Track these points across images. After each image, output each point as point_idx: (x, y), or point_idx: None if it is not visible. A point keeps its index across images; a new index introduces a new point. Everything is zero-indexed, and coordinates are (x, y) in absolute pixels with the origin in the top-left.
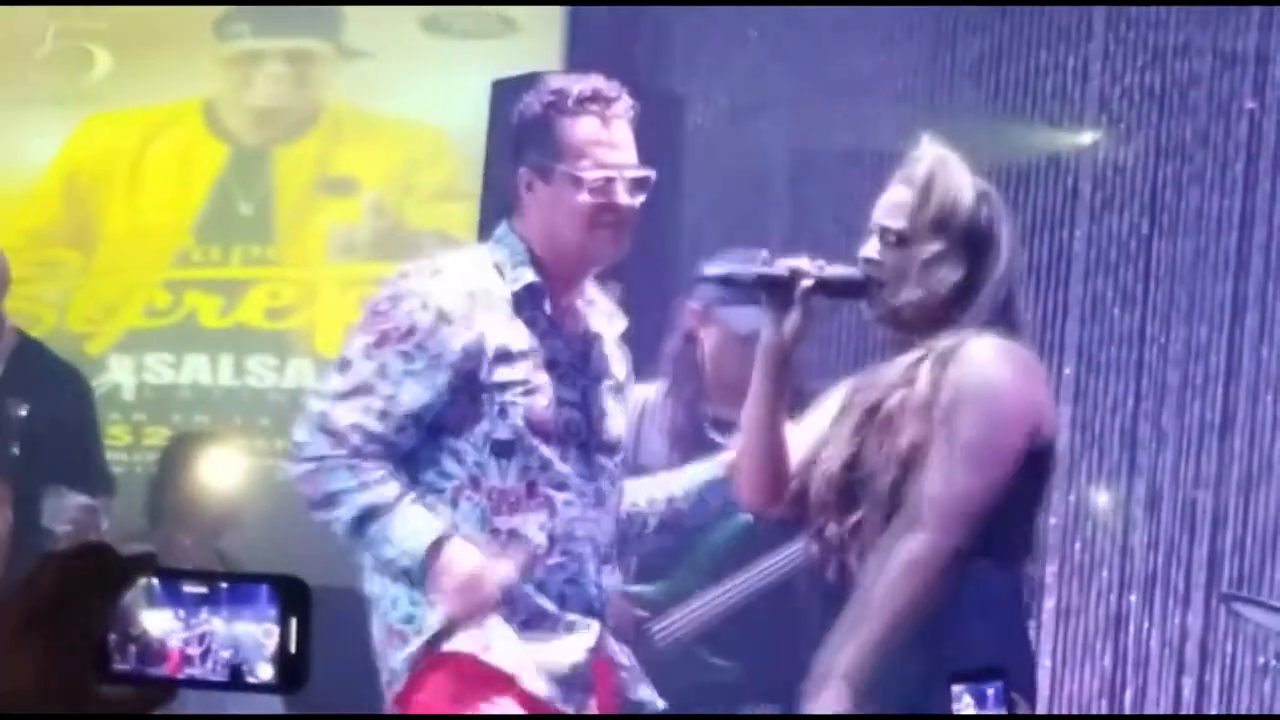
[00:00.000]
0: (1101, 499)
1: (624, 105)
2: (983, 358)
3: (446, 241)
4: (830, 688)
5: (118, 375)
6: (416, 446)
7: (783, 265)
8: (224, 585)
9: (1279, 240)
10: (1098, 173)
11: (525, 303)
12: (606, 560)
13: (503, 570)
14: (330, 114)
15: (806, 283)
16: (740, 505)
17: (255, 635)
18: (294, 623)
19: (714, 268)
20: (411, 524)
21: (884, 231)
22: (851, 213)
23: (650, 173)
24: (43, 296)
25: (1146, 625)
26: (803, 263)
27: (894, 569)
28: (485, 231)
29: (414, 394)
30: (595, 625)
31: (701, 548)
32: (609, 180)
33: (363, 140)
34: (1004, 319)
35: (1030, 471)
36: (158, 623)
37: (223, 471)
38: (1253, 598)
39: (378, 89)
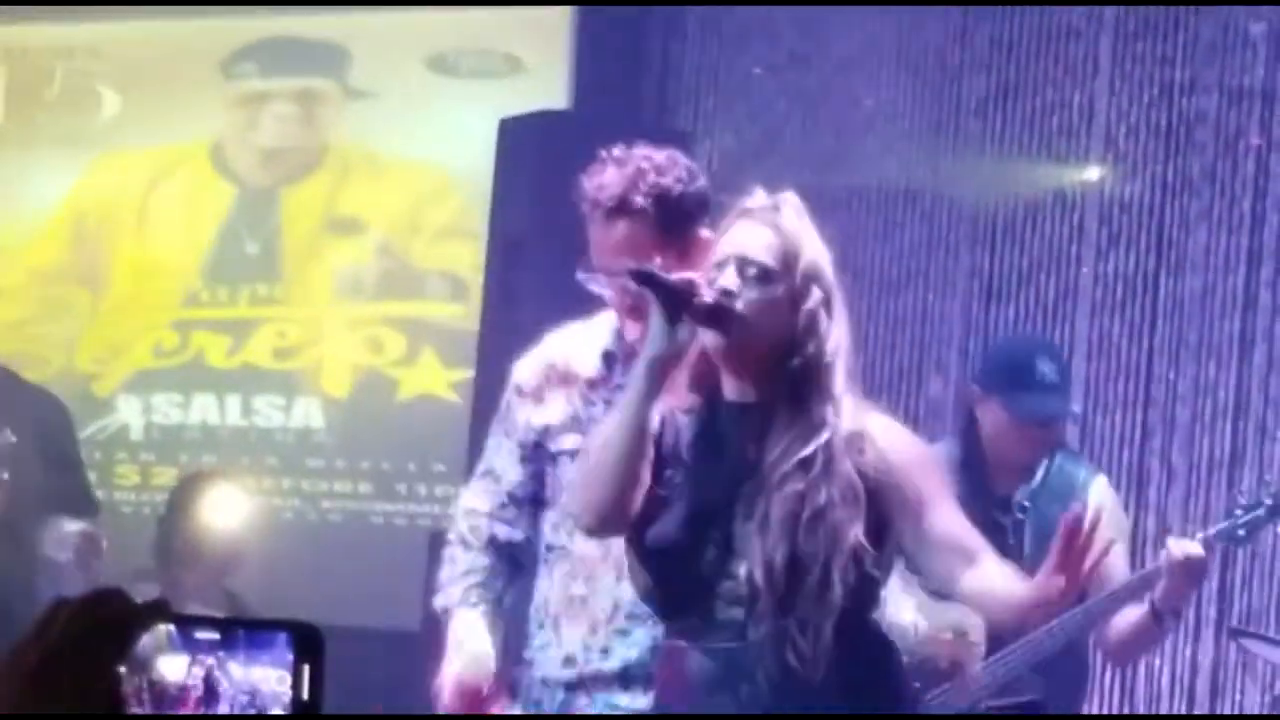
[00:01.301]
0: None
1: (607, 194)
2: (897, 434)
3: (453, 281)
4: None
5: (126, 415)
6: (529, 525)
7: (679, 276)
8: (239, 631)
9: None
10: (1104, 209)
11: (606, 372)
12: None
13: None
14: (337, 154)
15: (705, 299)
16: (578, 522)
17: (269, 681)
18: (307, 669)
19: (644, 266)
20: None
21: (744, 263)
22: (858, 251)
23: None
24: (50, 337)
25: (1157, 661)
26: (697, 279)
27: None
28: (492, 271)
29: (504, 468)
30: None
31: None
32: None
33: (369, 180)
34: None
35: None
36: (173, 668)
37: (230, 511)
38: (1262, 633)
39: (384, 129)
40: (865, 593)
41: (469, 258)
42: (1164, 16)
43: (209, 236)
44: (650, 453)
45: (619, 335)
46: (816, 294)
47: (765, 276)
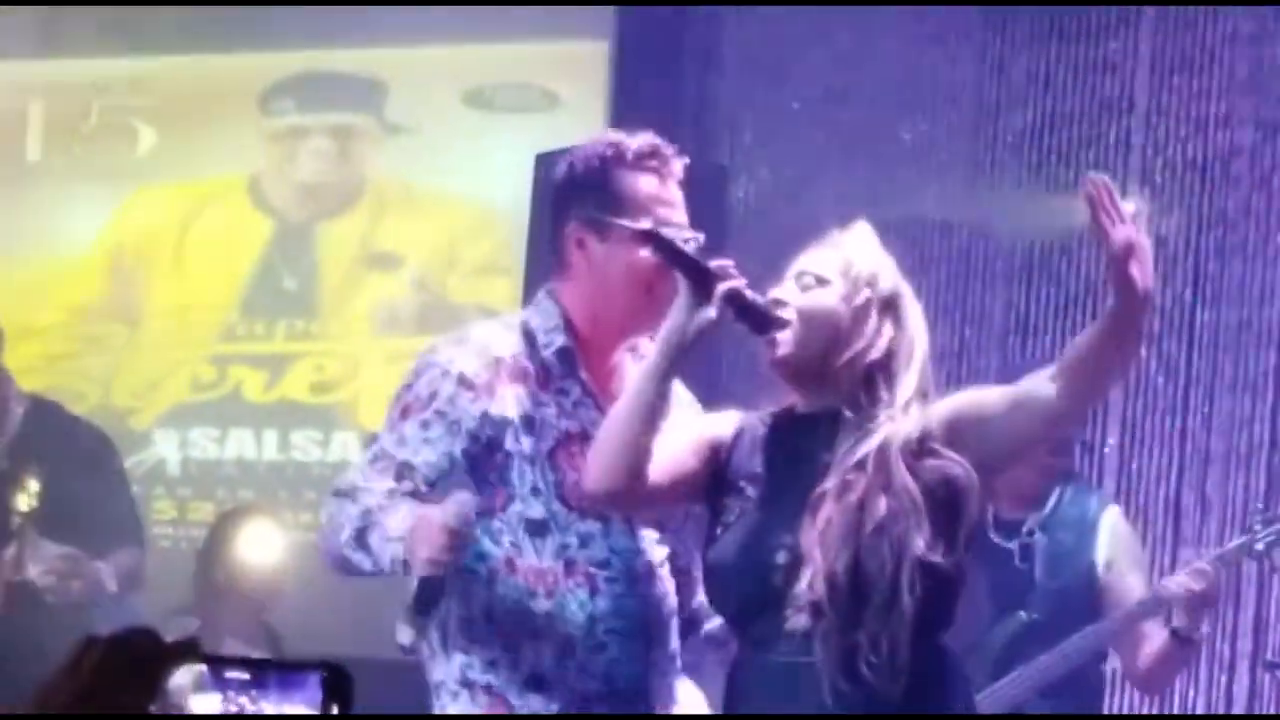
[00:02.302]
0: (1146, 569)
1: (679, 165)
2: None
3: (490, 316)
4: None
5: (163, 450)
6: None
7: (715, 260)
8: (270, 671)
9: None
10: None
11: (557, 370)
12: (659, 639)
13: (449, 508)
14: (374, 189)
15: (732, 285)
16: (583, 484)
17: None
18: (336, 709)
19: (663, 231)
20: (401, 515)
21: (801, 275)
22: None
23: (700, 235)
24: (87, 371)
25: (1191, 693)
26: (730, 265)
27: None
28: (528, 306)
29: (427, 459)
30: None
31: (984, 649)
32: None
33: (406, 215)
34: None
35: None
36: (206, 707)
37: (269, 546)
38: None
39: (421, 164)
40: (937, 607)
41: (506, 292)
42: (1199, 51)
43: (246, 271)
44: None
45: (570, 331)
46: (865, 294)
47: (818, 283)
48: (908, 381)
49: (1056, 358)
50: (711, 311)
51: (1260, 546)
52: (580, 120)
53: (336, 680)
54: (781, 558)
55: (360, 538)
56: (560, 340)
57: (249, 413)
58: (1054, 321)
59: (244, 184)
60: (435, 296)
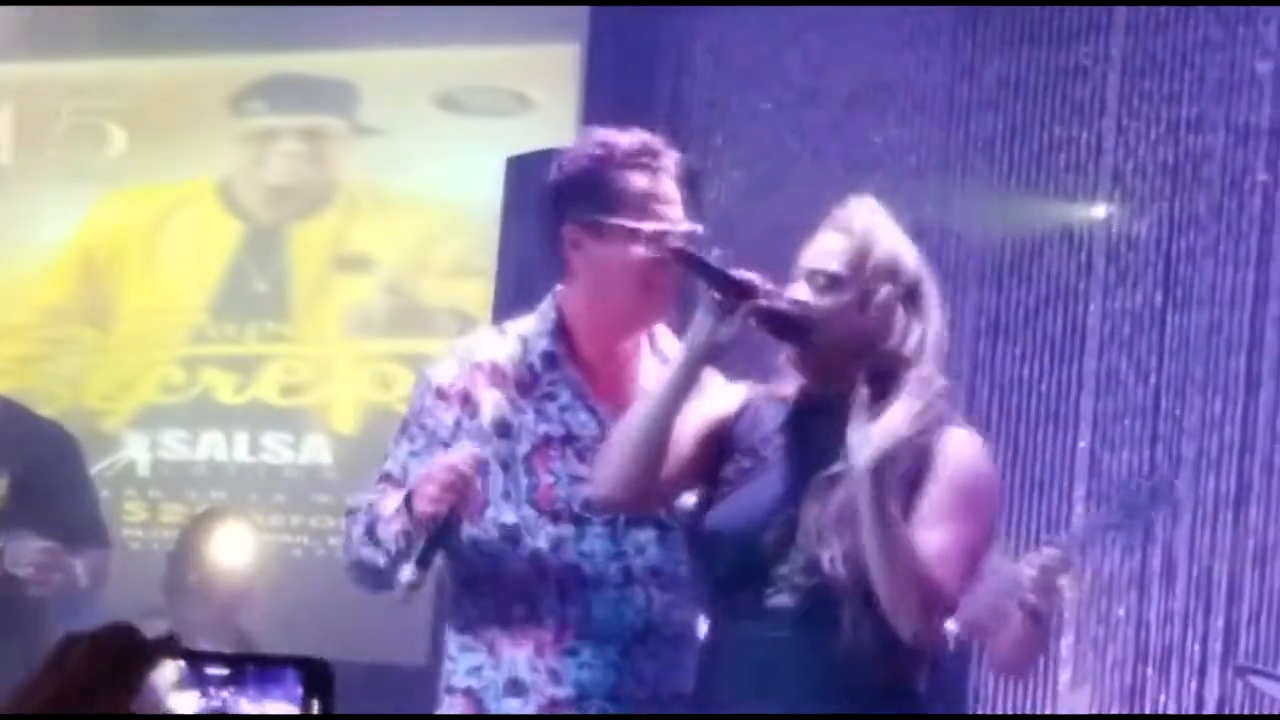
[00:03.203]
0: (1116, 572)
1: (670, 159)
2: (975, 452)
3: (461, 319)
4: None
5: (133, 452)
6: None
7: (742, 274)
8: (249, 666)
9: None
10: (1112, 247)
11: (544, 374)
12: (639, 643)
13: (454, 453)
14: (345, 191)
15: (758, 304)
16: (591, 490)
17: (276, 712)
18: (316, 704)
19: (689, 248)
20: (395, 497)
21: (813, 275)
22: None
23: (699, 228)
24: (58, 373)
25: (1163, 698)
26: (758, 281)
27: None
28: (500, 309)
29: (416, 473)
30: None
31: None
32: (664, 234)
33: (378, 217)
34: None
35: None
36: (185, 704)
37: (240, 548)
38: (1269, 670)
39: (392, 166)
40: None
41: (478, 295)
42: (1171, 54)
43: (217, 273)
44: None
45: (561, 334)
46: (887, 289)
47: (834, 283)
48: (924, 368)
49: (1030, 357)
50: (734, 327)
51: (1119, 522)
52: (552, 123)
53: (316, 675)
54: (770, 535)
55: (369, 533)
56: (544, 344)
57: (220, 415)
58: (1025, 324)
59: (215, 186)
60: (407, 299)
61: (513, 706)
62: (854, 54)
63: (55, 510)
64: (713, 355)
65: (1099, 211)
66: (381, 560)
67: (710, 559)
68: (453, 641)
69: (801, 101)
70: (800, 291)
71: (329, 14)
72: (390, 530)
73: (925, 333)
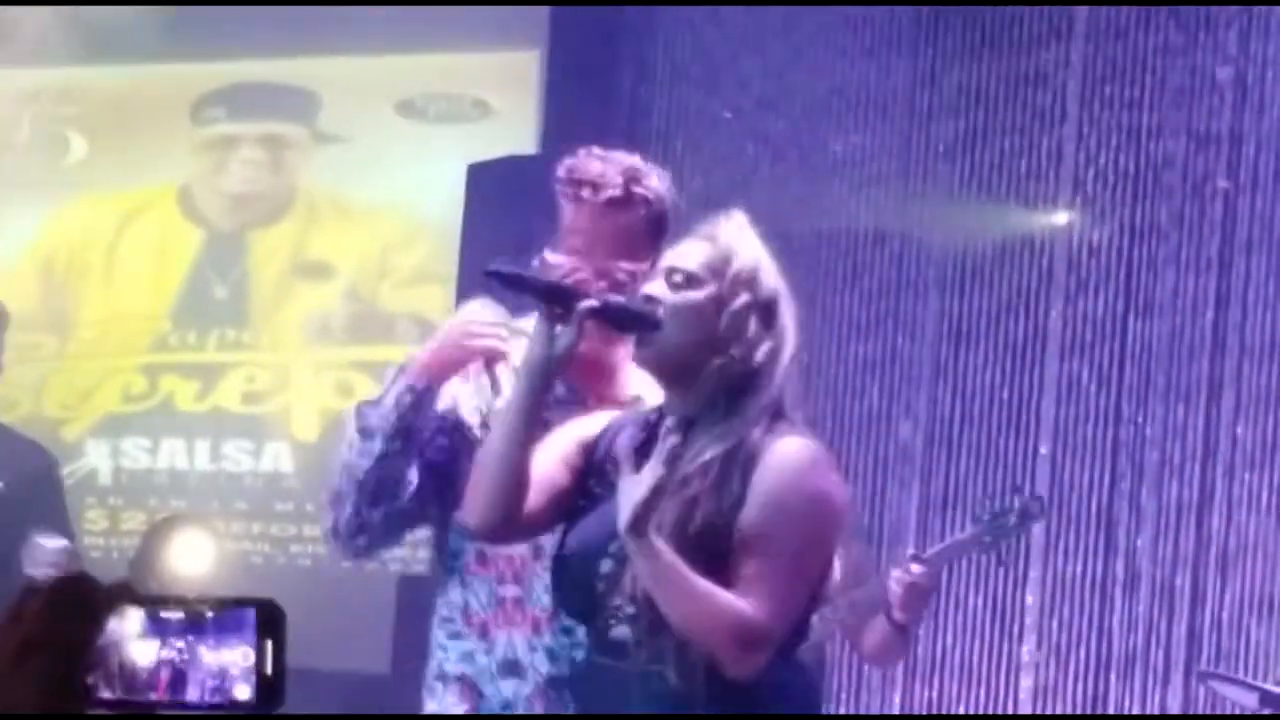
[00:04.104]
0: (1079, 578)
1: (608, 194)
2: (805, 462)
3: (422, 325)
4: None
5: (94, 460)
6: (436, 526)
7: (568, 279)
8: (206, 612)
9: (1254, 320)
10: (1073, 253)
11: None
12: None
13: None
14: (305, 199)
15: (590, 303)
16: (467, 523)
17: (234, 658)
18: (270, 645)
19: (503, 266)
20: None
21: (671, 272)
22: (826, 294)
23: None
24: (19, 380)
25: (1127, 704)
26: (585, 278)
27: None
28: None
29: (411, 476)
30: None
31: None
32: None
33: (338, 224)
34: (781, 409)
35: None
36: (143, 652)
37: (200, 556)
38: (1231, 676)
39: (353, 174)
40: None
41: (438, 301)
42: (1131, 61)
43: (177, 280)
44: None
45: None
46: (744, 298)
47: (690, 281)
48: (769, 391)
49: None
50: (570, 333)
51: (988, 539)
52: (512, 130)
53: (269, 616)
54: (606, 565)
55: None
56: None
57: (181, 422)
58: (987, 329)
59: (175, 193)
60: (367, 305)
61: (509, 688)
62: (815, 61)
63: (34, 528)
64: (554, 366)
65: (1060, 218)
66: (377, 446)
67: (558, 590)
68: (440, 631)
69: (761, 109)
70: (656, 287)
71: (289, 21)
72: (390, 395)
73: (778, 349)
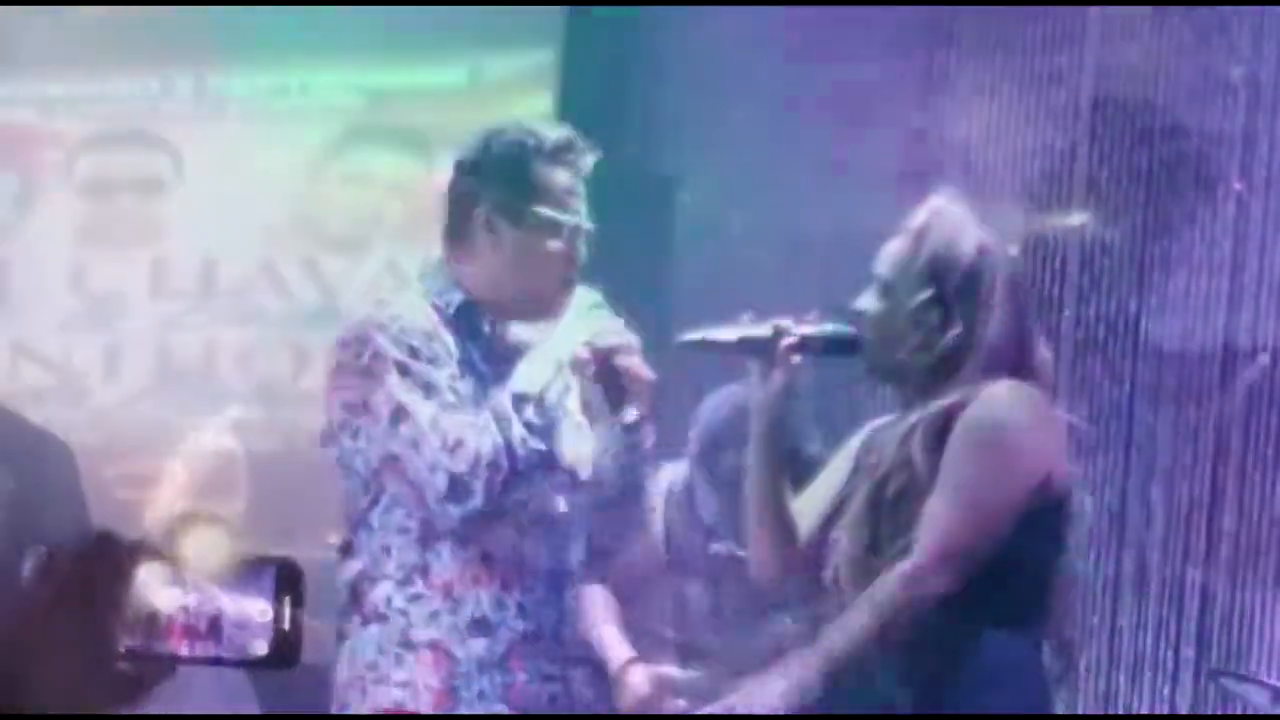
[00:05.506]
0: (1089, 577)
1: (590, 160)
2: (996, 399)
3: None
4: (779, 676)
5: None
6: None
7: (766, 324)
8: (226, 569)
9: (1265, 320)
10: (1086, 253)
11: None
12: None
13: None
14: None
15: (789, 340)
16: (751, 574)
17: (252, 614)
18: (288, 601)
19: (691, 335)
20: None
21: (874, 280)
22: (841, 294)
23: (590, 227)
24: None
25: (1135, 704)
26: (785, 322)
27: (878, 590)
28: None
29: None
30: None
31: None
32: (577, 230)
33: None
34: (1016, 371)
35: (1039, 528)
36: (164, 599)
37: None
38: (1242, 675)
39: None
40: None
41: None
42: (1145, 61)
43: None
44: (789, 502)
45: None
46: (929, 291)
47: (884, 290)
48: (975, 359)
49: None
50: (781, 375)
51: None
52: None
53: (285, 575)
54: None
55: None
56: (458, 298)
57: None
58: None
59: None
60: None
61: (480, 646)
62: (828, 61)
63: (50, 521)
64: (779, 409)
65: (1073, 218)
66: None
67: None
68: (396, 596)
69: (776, 109)
70: (864, 299)
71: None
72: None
73: (977, 322)
